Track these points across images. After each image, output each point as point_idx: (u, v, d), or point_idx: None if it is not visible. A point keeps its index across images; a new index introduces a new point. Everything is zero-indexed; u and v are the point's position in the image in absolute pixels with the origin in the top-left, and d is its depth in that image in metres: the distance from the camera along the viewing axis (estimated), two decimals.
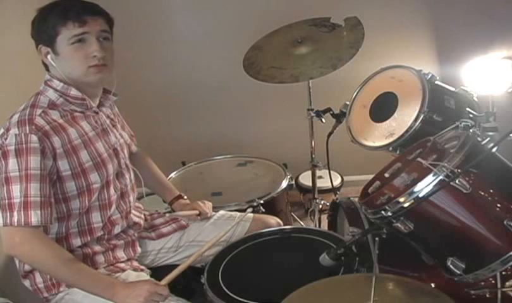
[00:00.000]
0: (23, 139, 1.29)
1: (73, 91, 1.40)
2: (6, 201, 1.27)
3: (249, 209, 1.81)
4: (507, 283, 1.35)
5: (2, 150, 1.30)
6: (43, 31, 1.36)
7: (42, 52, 1.39)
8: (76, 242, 1.43)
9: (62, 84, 1.40)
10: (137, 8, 2.64)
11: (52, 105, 1.39)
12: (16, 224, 1.25)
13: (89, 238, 1.45)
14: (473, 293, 1.36)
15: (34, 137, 1.29)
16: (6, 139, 1.30)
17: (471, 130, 1.26)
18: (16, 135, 1.29)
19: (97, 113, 1.49)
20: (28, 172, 1.27)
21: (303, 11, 2.23)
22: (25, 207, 1.26)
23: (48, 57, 1.38)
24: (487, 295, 1.36)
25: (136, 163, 1.68)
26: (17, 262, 1.45)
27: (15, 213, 1.26)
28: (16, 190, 1.27)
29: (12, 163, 1.28)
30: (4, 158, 1.29)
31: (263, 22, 2.27)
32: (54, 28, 1.35)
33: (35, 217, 1.27)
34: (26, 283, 1.44)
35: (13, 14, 2.03)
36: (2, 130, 1.34)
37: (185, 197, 1.82)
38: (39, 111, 1.35)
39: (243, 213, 1.76)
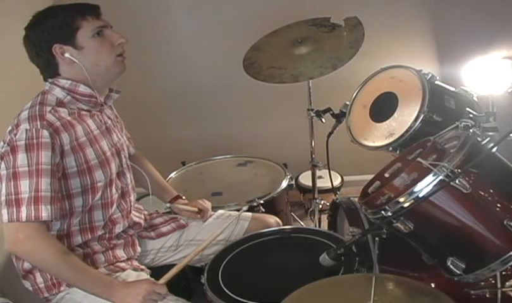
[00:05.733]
0: (34, 134, 1.29)
1: (81, 88, 1.41)
2: (13, 196, 1.26)
3: (245, 208, 1.80)
4: (507, 283, 1.35)
5: (12, 145, 1.29)
6: (58, 29, 1.36)
7: (56, 52, 1.38)
8: (77, 240, 1.43)
9: (70, 81, 1.40)
10: (137, 8, 2.64)
11: (59, 103, 1.39)
12: (24, 219, 1.24)
13: (90, 236, 1.45)
14: (473, 293, 1.36)
15: (45, 132, 1.29)
16: (15, 134, 1.30)
17: (471, 130, 1.26)
18: (27, 130, 1.29)
19: (100, 112, 1.50)
20: (39, 166, 1.27)
21: (303, 11, 2.23)
22: (36, 202, 1.25)
23: (66, 54, 1.38)
24: (487, 295, 1.36)
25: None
26: (15, 262, 1.44)
27: (23, 208, 1.25)
28: (24, 185, 1.26)
29: (21, 158, 1.27)
30: (12, 153, 1.28)
31: (263, 22, 2.26)
32: (73, 22, 1.36)
33: (45, 212, 1.26)
34: (27, 283, 1.43)
35: (13, 14, 2.02)
36: (10, 126, 1.34)
37: (183, 197, 1.82)
38: (49, 108, 1.36)
39: (240, 211, 1.76)
